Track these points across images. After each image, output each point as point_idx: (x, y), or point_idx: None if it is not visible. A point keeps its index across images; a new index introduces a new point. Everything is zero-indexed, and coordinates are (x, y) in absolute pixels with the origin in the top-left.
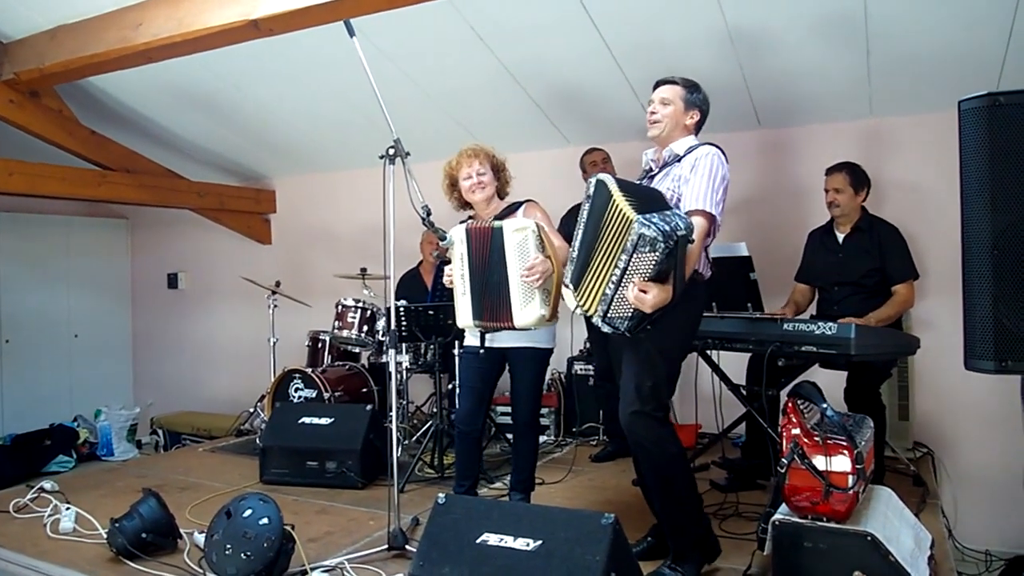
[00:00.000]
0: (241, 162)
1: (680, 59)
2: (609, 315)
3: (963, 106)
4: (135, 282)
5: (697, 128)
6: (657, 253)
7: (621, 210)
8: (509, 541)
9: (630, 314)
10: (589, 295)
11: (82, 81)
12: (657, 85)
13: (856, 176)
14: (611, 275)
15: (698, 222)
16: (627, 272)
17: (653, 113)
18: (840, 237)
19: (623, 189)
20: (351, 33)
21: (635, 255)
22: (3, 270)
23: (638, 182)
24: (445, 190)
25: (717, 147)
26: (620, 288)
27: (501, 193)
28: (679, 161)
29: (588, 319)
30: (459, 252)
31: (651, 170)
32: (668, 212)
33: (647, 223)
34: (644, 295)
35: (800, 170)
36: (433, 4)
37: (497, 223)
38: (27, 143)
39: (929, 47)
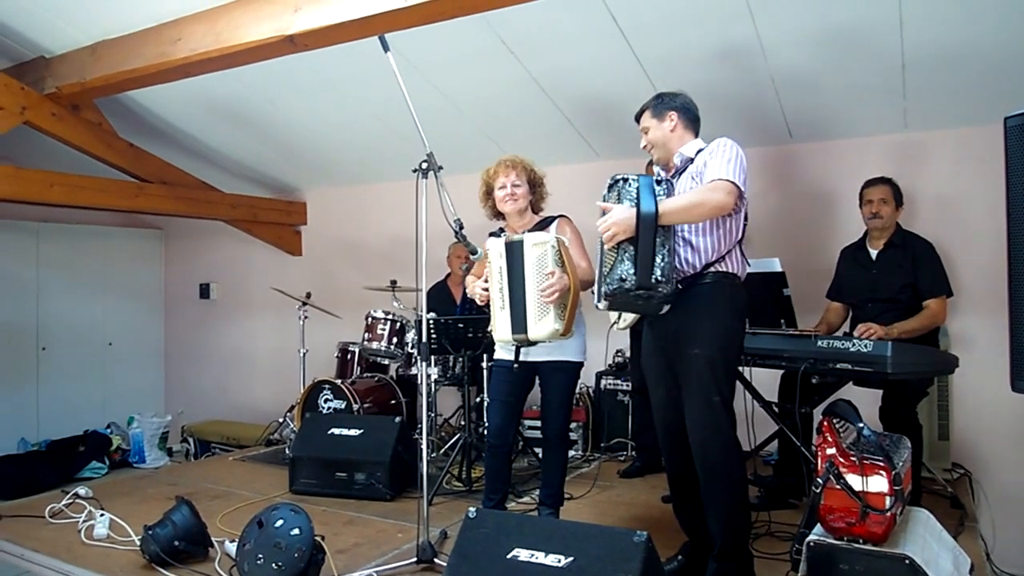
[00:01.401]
0: (273, 174)
1: (710, 72)
2: (606, 273)
3: (1009, 123)
4: (168, 292)
5: (692, 128)
6: (617, 189)
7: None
8: (540, 557)
9: (614, 258)
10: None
11: (121, 95)
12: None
13: (896, 190)
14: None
15: (718, 181)
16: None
17: (644, 146)
18: (873, 253)
19: None
20: (386, 48)
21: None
22: (42, 279)
23: None
24: (481, 198)
25: None
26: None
27: (536, 208)
28: (692, 162)
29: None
30: (498, 266)
31: (661, 179)
32: None
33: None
34: (604, 218)
35: (834, 185)
36: (462, 16)
37: (517, 236)
38: (67, 155)
39: (966, 60)
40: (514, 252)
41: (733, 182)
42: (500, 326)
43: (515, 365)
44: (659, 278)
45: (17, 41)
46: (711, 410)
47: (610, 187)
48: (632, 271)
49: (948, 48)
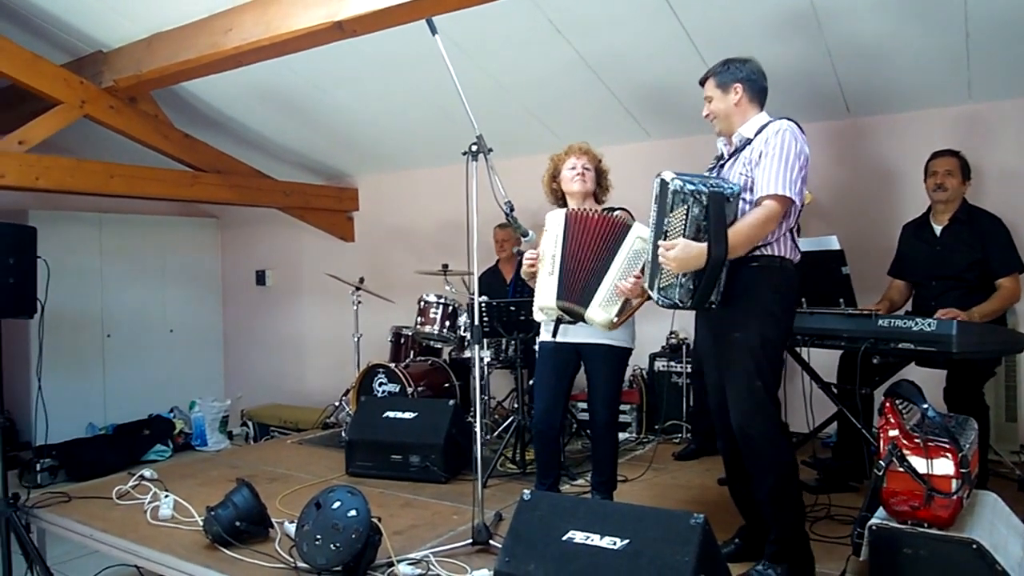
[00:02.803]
0: (325, 161)
1: (765, 46)
2: (660, 286)
3: None
4: (225, 279)
5: (758, 101)
6: (686, 206)
7: (665, 183)
8: (595, 539)
9: (672, 281)
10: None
11: (175, 86)
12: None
13: (964, 163)
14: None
15: (771, 205)
16: (663, 234)
17: (706, 115)
18: (937, 229)
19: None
20: (433, 31)
21: (670, 214)
22: (105, 268)
23: (706, 172)
24: (545, 182)
25: (792, 121)
26: (658, 253)
27: (599, 198)
28: (750, 143)
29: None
30: (554, 234)
31: (722, 156)
32: (709, 177)
33: (678, 177)
34: (667, 251)
35: (894, 160)
36: None
37: (629, 220)
38: (124, 147)
39: None
40: (619, 234)
41: (783, 197)
42: (545, 291)
43: (552, 338)
44: (712, 300)
45: (75, 36)
46: (752, 395)
47: (675, 195)
48: (689, 298)
49: (1014, 15)
